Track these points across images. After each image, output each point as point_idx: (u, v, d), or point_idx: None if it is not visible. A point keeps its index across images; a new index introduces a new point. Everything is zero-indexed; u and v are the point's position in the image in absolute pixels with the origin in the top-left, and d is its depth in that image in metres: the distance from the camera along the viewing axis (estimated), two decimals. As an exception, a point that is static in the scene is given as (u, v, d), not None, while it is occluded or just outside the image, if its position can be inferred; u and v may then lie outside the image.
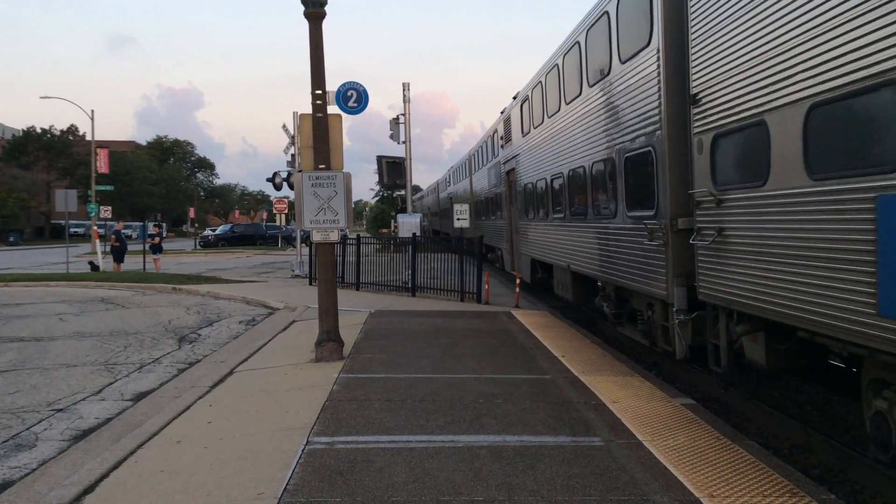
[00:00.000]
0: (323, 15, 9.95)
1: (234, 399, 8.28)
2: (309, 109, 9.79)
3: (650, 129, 9.24)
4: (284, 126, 27.40)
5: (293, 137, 27.49)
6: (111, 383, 9.76)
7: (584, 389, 8.16)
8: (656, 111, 9.02)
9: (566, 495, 5.08)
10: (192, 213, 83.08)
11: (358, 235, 20.11)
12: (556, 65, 14.16)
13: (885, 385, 5.72)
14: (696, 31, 8.02)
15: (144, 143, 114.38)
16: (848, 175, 5.44)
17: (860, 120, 5.34)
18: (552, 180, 15.01)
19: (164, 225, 49.94)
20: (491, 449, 6.06)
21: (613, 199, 10.87)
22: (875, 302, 5.16)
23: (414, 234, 19.67)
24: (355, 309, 15.06)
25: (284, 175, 27.69)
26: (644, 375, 9.06)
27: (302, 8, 9.94)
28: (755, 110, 6.75)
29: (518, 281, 17.53)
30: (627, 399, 7.71)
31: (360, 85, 10.85)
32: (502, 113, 22.08)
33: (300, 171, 10.14)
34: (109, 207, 43.02)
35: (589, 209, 12.28)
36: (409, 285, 19.10)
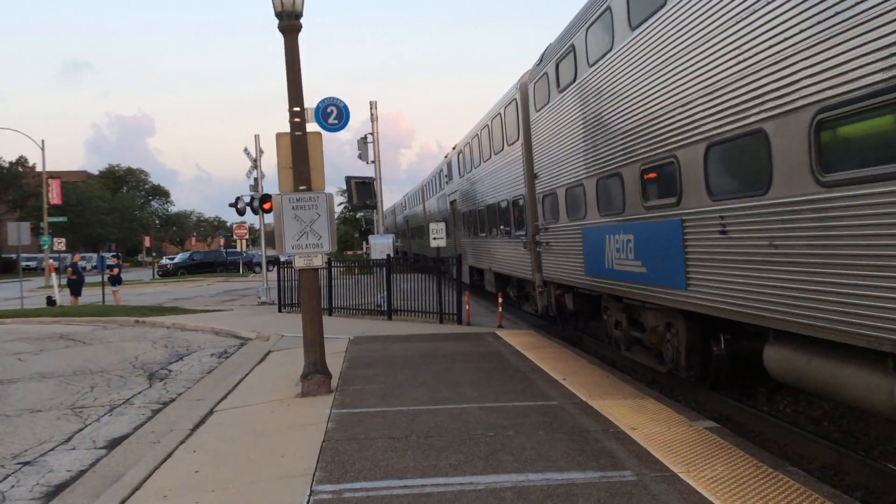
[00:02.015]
0: (298, 28, 9.40)
1: (220, 443, 7.61)
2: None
3: (520, 187, 16.15)
4: (246, 149, 26.72)
5: (255, 161, 26.80)
6: (81, 429, 8.99)
7: (598, 416, 7.66)
8: (522, 179, 15.98)
9: (615, 543, 4.56)
10: (147, 241, 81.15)
11: (330, 259, 19.46)
12: (477, 135, 21.23)
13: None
14: (533, 138, 15.02)
15: (96, 173, 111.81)
16: (575, 219, 12.56)
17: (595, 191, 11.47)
18: (478, 211, 21.71)
19: (120, 255, 48.59)
20: (516, 490, 5.51)
21: (509, 225, 17.78)
22: (582, 266, 12.19)
23: (388, 255, 19.11)
24: (333, 336, 14.38)
25: (247, 199, 26.90)
26: (656, 397, 8.59)
27: (272, 24, 9.42)
28: (554, 185, 13.76)
29: (500, 300, 17.05)
30: (647, 424, 7.22)
31: (341, 101, 10.30)
32: (446, 157, 29.68)
33: (279, 194, 9.53)
34: (63, 239, 41.60)
35: (499, 231, 19.09)
36: (385, 308, 18.50)
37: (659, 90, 8.83)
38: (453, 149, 27.10)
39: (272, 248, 19.36)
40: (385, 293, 18.44)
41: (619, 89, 10.09)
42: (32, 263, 70.54)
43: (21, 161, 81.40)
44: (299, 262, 9.58)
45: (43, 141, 49.74)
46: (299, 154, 9.39)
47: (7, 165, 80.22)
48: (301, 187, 9.41)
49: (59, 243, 40.26)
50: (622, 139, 10.11)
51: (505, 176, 17.64)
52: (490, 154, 19.27)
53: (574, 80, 12.09)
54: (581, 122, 11.90)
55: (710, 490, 5.37)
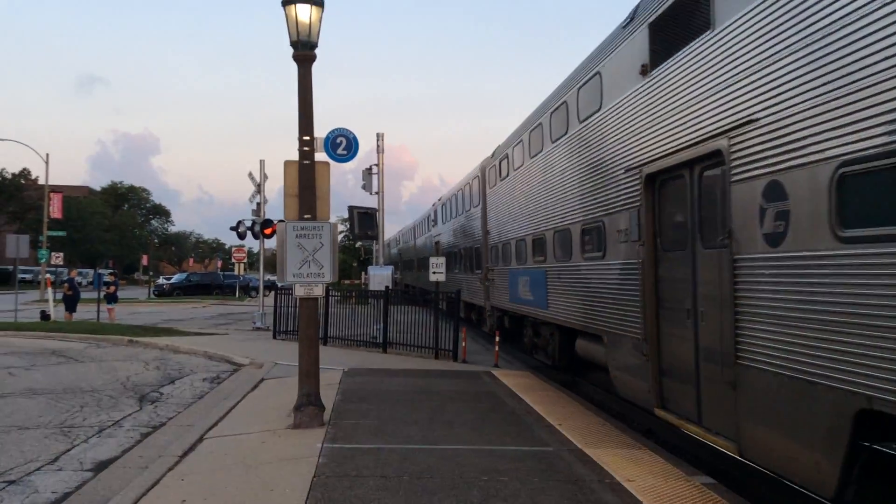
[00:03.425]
0: (313, 58, 9.45)
1: (209, 472, 7.48)
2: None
3: (479, 238, 22.07)
4: (251, 174, 26.73)
5: (259, 185, 26.83)
6: (68, 450, 8.85)
7: (594, 465, 7.54)
8: (480, 233, 21.83)
9: None
10: (145, 260, 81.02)
11: (328, 288, 19.36)
12: (455, 194, 28.28)
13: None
14: (488, 205, 20.80)
15: (98, 189, 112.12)
16: (506, 265, 18.24)
17: (514, 248, 17.40)
18: (454, 251, 28.04)
19: (117, 273, 48.44)
20: (509, 538, 5.40)
21: (472, 263, 23.76)
22: (508, 296, 18.19)
23: (387, 287, 19.03)
24: (328, 367, 14.24)
25: (249, 224, 26.90)
26: (652, 448, 8.48)
27: (283, 53, 9.47)
28: (497, 241, 19.21)
29: (497, 339, 16.95)
30: (644, 477, 7.11)
31: (350, 132, 10.32)
32: (433, 205, 36.33)
33: (284, 221, 9.51)
34: (61, 254, 41.51)
35: (465, 268, 25.05)
36: (380, 341, 18.38)
37: (540, 194, 14.73)
38: (438, 200, 34.39)
39: (270, 272, 19.30)
40: (381, 325, 18.33)
41: (526, 189, 15.99)
42: (29, 276, 70.37)
43: (24, 173, 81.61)
44: (299, 291, 9.52)
45: (48, 154, 50.07)
46: (306, 182, 9.38)
47: (10, 177, 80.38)
48: (306, 216, 9.38)
49: (57, 258, 40.18)
50: (525, 219, 16.10)
51: (470, 229, 24.34)
52: (462, 211, 26.09)
53: (507, 175, 18.18)
54: (509, 203, 17.96)
55: (708, 549, 5.26)
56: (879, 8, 4.98)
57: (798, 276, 5.91)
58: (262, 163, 26.54)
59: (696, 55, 7.77)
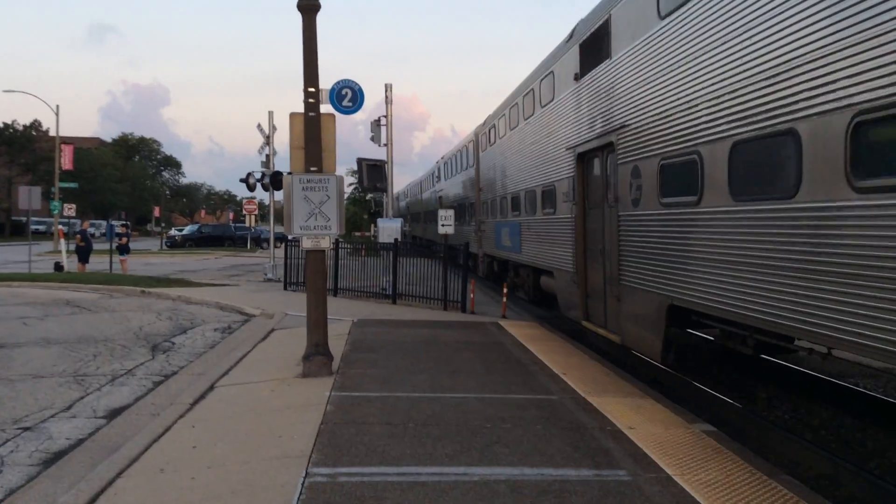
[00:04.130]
0: (317, 8, 9.36)
1: (219, 419, 7.66)
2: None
3: (472, 195, 25.75)
4: (259, 126, 26.64)
5: (268, 137, 26.77)
6: (82, 397, 9.06)
7: (596, 413, 7.67)
8: (474, 190, 25.25)
9: (606, 542, 4.58)
10: (157, 212, 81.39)
11: (338, 240, 19.46)
12: (454, 155, 31.70)
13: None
14: (480, 166, 24.14)
15: (109, 140, 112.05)
16: (493, 218, 21.57)
17: (498, 204, 21.11)
18: (453, 206, 29.31)
19: (129, 224, 48.70)
20: (510, 484, 5.53)
21: (467, 216, 27.05)
22: (495, 244, 21.60)
23: (396, 239, 19.10)
24: (337, 318, 14.42)
25: (258, 176, 26.90)
26: (655, 397, 8.59)
27: (292, 2, 9.38)
28: (486, 197, 22.54)
29: (505, 291, 17.05)
30: (644, 425, 7.23)
31: (356, 83, 10.28)
32: (437, 163, 39.60)
33: (290, 174, 9.53)
34: (73, 206, 41.70)
35: (466, 219, 27.47)
36: (390, 292, 18.52)
37: (516, 160, 18.07)
38: (441, 158, 37.43)
39: (280, 224, 19.58)
40: (391, 277, 18.46)
41: (507, 155, 19.30)
42: (42, 227, 70.88)
43: (35, 125, 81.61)
44: (306, 244, 9.59)
45: (58, 106, 49.89)
46: (312, 135, 9.37)
47: (21, 129, 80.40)
48: (312, 168, 9.40)
49: (70, 209, 40.40)
50: (506, 180, 19.40)
51: (467, 186, 27.71)
52: (459, 170, 29.83)
53: (494, 142, 21.42)
54: (495, 166, 21.11)
55: (703, 494, 5.38)
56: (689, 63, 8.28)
57: (642, 226, 9.62)
58: (270, 114, 26.45)
59: (602, 73, 11.18)
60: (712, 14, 7.72)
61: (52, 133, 56.95)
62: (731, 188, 7.36)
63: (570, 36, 13.09)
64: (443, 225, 19.57)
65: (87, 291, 21.83)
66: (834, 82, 5.78)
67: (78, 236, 29.72)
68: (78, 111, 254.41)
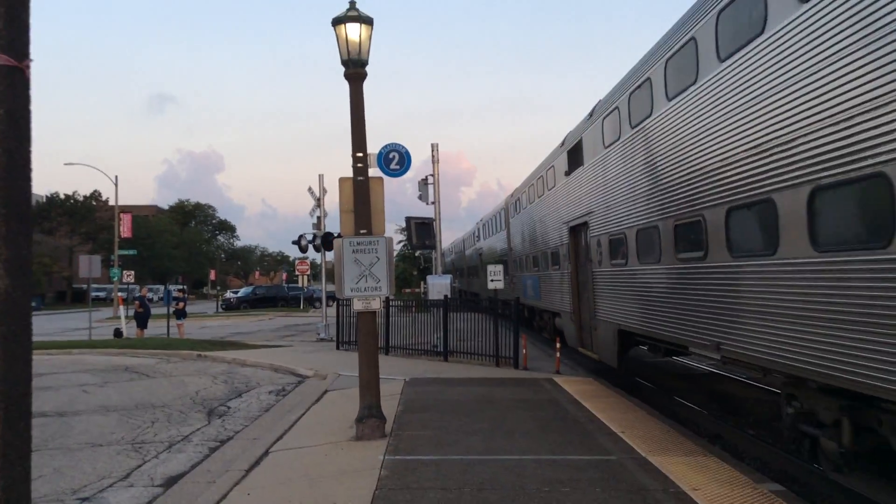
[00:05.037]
0: (363, 76, 9.58)
1: (274, 486, 7.62)
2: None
3: (505, 252, 30.45)
4: (310, 188, 27.21)
5: (318, 199, 27.25)
6: (139, 465, 9.12)
7: (657, 473, 7.43)
8: (506, 249, 30.33)
9: None
10: (213, 275, 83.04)
11: (388, 298, 19.53)
12: (490, 219, 36.25)
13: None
14: (511, 230, 28.76)
15: (166, 207, 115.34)
16: (522, 272, 26.09)
17: (526, 260, 25.30)
18: (492, 261, 31.43)
19: (185, 288, 49.66)
20: (571, 551, 5.35)
21: (504, 271, 24.48)
22: (524, 293, 25.45)
23: (445, 296, 19.09)
24: (390, 377, 14.38)
25: (310, 237, 27.35)
26: (718, 455, 8.30)
27: (340, 69, 9.60)
28: (516, 255, 27.44)
29: (558, 346, 16.84)
30: (709, 485, 6.97)
31: (403, 146, 10.44)
32: (476, 224, 44.69)
33: (340, 237, 9.63)
34: (132, 272, 42.76)
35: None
36: (441, 349, 18.44)
37: (534, 228, 22.84)
38: (480, 220, 42.85)
39: (332, 284, 19.80)
40: (441, 334, 18.40)
41: (527, 223, 24.21)
42: (102, 294, 72.84)
43: (95, 195, 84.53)
44: (357, 305, 9.63)
45: (116, 177, 51.74)
46: (361, 198, 9.49)
47: (81, 199, 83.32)
48: (362, 231, 9.49)
49: (129, 276, 41.44)
50: (526, 243, 24.44)
51: (499, 246, 32.74)
52: (494, 232, 34.62)
53: (519, 212, 26.32)
54: (524, 229, 25.15)
55: (776, 561, 5.13)
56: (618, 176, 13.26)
57: (604, 278, 14.31)
58: (320, 177, 27.02)
59: (579, 174, 16.15)
60: (628, 150, 12.41)
61: (112, 202, 58.93)
62: (638, 255, 12.01)
63: (562, 143, 18.01)
64: (492, 280, 19.57)
65: (145, 357, 22.19)
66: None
67: (137, 302, 30.39)
68: (136, 180, 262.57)
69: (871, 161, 5.74)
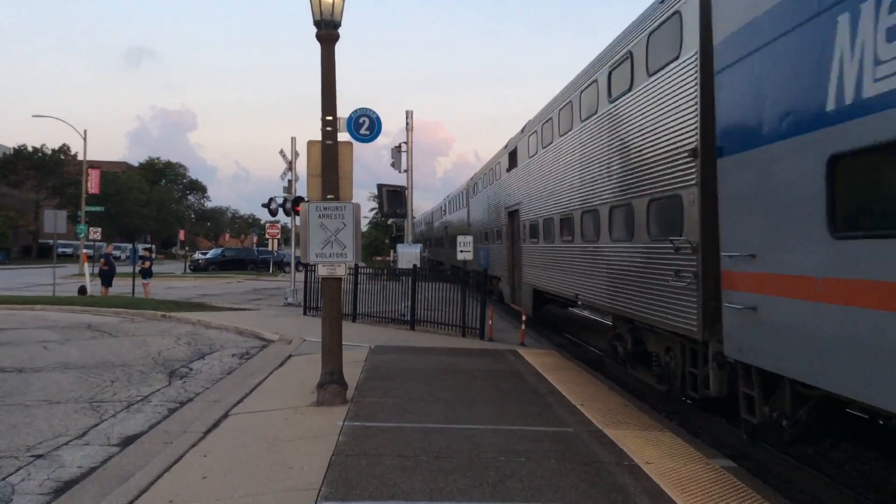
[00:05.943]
0: (336, 38, 9.42)
1: (231, 449, 7.60)
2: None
3: (465, 228, 32.87)
4: (282, 151, 26.90)
5: (290, 163, 26.98)
6: (96, 424, 9.05)
7: (613, 447, 7.52)
8: (465, 225, 33.77)
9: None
10: (182, 235, 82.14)
11: (357, 265, 19.45)
12: (456, 196, 39.80)
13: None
14: (471, 208, 33.76)
15: (136, 164, 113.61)
16: (479, 245, 28.32)
17: (483, 235, 28.89)
18: (455, 234, 31.63)
19: (153, 247, 49.11)
20: (522, 520, 5.42)
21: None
22: (481, 261, 29.01)
23: (414, 265, 19.07)
24: (355, 344, 14.39)
25: (280, 201, 27.10)
26: (673, 430, 8.44)
27: (314, 30, 9.44)
28: (476, 230, 30.33)
29: (524, 318, 16.94)
30: (662, 459, 7.08)
31: (373, 112, 10.31)
32: (444, 199, 48.17)
33: (307, 201, 9.54)
34: (99, 229, 42.22)
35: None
36: (408, 318, 18.47)
37: (486, 209, 27.97)
38: (446, 197, 46.38)
39: (301, 250, 19.63)
40: (409, 303, 18.41)
41: (483, 204, 28.57)
42: (69, 250, 71.76)
43: (63, 149, 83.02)
44: (322, 271, 9.58)
45: (85, 131, 50.88)
46: (329, 163, 9.39)
47: (50, 153, 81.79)
48: (329, 196, 9.41)
49: (95, 232, 40.90)
50: (482, 221, 28.79)
51: (461, 221, 35.62)
52: (457, 209, 38.09)
53: (476, 193, 30.50)
54: (479, 209, 29.36)
55: (721, 535, 5.23)
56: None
57: (526, 251, 19.48)
58: (293, 140, 26.69)
59: (514, 172, 21.15)
60: (540, 164, 17.53)
61: (80, 157, 57.88)
62: (544, 236, 16.79)
63: (506, 146, 22.83)
64: (461, 251, 19.56)
65: (109, 315, 21.98)
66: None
67: (102, 260, 30.01)
68: (107, 136, 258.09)
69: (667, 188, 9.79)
